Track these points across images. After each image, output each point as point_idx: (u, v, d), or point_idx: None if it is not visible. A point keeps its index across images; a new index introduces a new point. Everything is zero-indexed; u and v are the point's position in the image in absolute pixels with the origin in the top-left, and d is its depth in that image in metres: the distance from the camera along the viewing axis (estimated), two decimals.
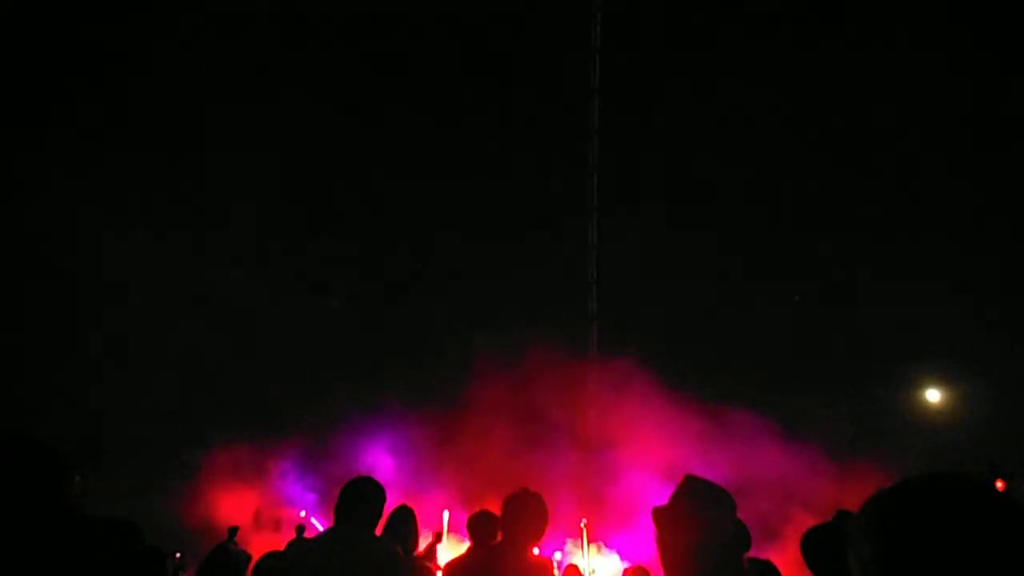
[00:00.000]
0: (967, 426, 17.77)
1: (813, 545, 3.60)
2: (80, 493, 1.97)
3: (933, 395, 19.67)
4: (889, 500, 1.29)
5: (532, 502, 4.16)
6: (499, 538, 4.26)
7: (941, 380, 19.45)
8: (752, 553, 3.72)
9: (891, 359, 18.63)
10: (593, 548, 15.66)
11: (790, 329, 19.11)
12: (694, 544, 2.36)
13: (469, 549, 5.02)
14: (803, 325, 19.24)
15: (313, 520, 16.60)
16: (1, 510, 1.84)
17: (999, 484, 13.58)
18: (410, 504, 5.42)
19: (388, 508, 5.08)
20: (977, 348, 17.57)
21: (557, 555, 14.95)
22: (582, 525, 15.19)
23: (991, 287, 18.16)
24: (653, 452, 16.02)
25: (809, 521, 4.05)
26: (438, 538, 9.08)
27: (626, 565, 13.08)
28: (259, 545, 13.02)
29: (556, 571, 7.58)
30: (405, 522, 5.10)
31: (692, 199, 19.91)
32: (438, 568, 5.76)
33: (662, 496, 2.63)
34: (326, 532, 4.01)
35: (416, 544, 5.19)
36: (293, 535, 13.80)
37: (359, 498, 3.91)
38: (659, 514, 2.49)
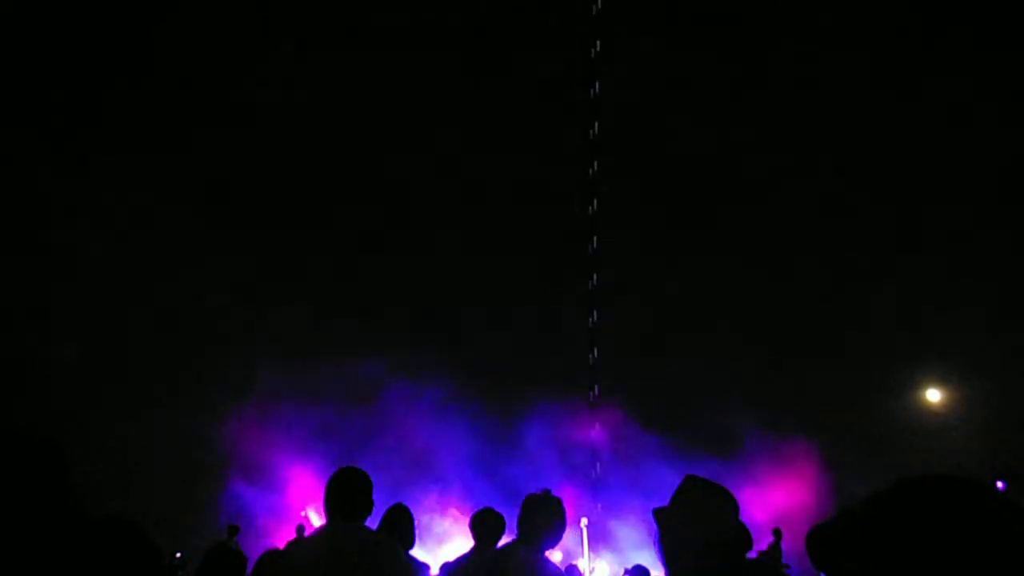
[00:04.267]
0: (967, 426, 17.77)
1: (817, 542, 3.62)
2: (80, 492, 1.96)
3: (933, 395, 19.67)
4: (888, 500, 1.28)
5: (553, 505, 4.14)
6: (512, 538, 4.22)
7: (941, 380, 19.46)
8: None
9: (891, 360, 18.64)
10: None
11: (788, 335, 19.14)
12: (696, 544, 2.35)
13: (474, 549, 5.00)
14: (801, 328, 19.26)
15: (313, 518, 16.61)
16: (1, 509, 1.84)
17: (999, 485, 13.58)
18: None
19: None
20: (977, 348, 17.58)
21: (558, 555, 14.94)
22: (583, 525, 15.17)
23: (991, 287, 18.17)
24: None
25: None
26: None
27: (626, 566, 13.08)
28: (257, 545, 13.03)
29: None
30: (401, 520, 5.10)
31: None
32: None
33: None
34: (324, 528, 3.92)
35: (412, 542, 5.19)
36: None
37: (350, 490, 3.81)
38: (661, 514, 2.49)
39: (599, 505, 17.71)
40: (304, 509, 17.15)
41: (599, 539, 15.91)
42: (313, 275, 20.40)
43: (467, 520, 5.34)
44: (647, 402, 18.52)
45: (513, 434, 18.15)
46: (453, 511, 16.32)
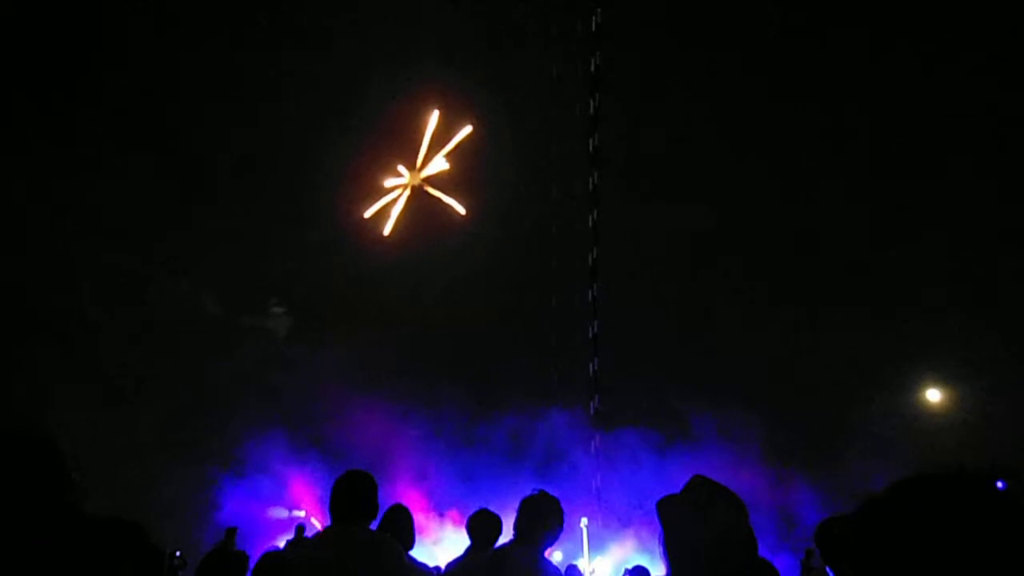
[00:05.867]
0: (967, 426, 17.75)
1: (827, 536, 3.65)
2: (80, 492, 1.95)
3: (933, 395, 19.64)
4: (887, 500, 1.28)
5: (551, 505, 4.14)
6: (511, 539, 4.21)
7: (941, 380, 19.43)
8: None
9: (891, 360, 18.62)
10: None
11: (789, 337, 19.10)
12: (698, 544, 2.34)
13: (470, 550, 4.97)
14: (801, 329, 19.23)
15: (313, 520, 16.60)
16: (1, 509, 1.83)
17: (999, 485, 13.55)
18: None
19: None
20: (977, 348, 17.55)
21: (558, 555, 14.92)
22: (582, 525, 15.17)
23: (991, 287, 18.15)
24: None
25: None
26: None
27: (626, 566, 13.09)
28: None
29: None
30: (401, 521, 5.07)
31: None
32: None
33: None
34: (327, 531, 3.91)
35: (412, 542, 5.17)
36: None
37: (355, 494, 3.81)
38: (665, 511, 2.47)
39: (597, 510, 17.71)
40: (304, 510, 17.17)
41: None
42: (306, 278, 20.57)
43: (446, 518, 5.33)
44: (636, 403, 18.53)
45: (498, 434, 18.13)
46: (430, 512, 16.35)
